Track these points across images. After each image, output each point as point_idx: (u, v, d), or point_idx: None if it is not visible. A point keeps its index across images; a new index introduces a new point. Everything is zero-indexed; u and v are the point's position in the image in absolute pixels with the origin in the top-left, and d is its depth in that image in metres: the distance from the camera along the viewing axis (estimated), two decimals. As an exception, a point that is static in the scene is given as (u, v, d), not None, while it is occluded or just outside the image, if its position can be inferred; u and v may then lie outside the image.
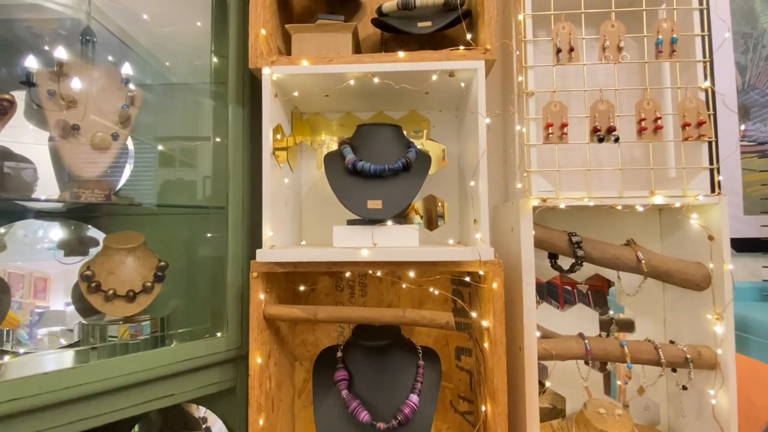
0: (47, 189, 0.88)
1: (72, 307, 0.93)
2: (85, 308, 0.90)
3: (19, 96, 0.85)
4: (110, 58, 0.96)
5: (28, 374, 0.67)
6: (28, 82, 0.83)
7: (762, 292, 1.02)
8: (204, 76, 0.99)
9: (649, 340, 0.84)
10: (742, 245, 1.06)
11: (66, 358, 0.82)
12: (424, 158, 0.90)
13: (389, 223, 0.82)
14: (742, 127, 1.03)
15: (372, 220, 0.82)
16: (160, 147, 1.03)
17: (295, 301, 1.05)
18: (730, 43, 1.11)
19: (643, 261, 0.84)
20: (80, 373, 0.71)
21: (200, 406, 1.07)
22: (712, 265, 0.82)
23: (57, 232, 0.96)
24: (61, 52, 0.86)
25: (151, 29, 1.02)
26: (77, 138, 0.85)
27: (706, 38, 0.85)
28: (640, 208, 0.86)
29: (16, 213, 0.90)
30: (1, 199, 0.83)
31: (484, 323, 0.80)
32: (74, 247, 0.96)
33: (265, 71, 0.84)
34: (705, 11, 0.85)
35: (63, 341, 0.90)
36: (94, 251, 0.95)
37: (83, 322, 0.88)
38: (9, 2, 0.93)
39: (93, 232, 0.98)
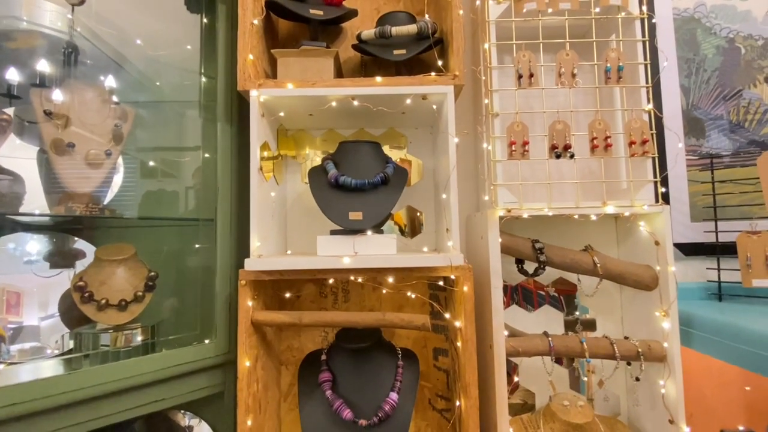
0: (34, 202, 0.90)
1: (46, 322, 0.92)
2: (72, 318, 0.93)
3: (10, 112, 0.87)
4: (103, 78, 1.01)
5: (22, 381, 0.70)
6: (9, 94, 0.86)
7: (707, 291, 1.13)
8: (194, 95, 1.05)
9: (606, 337, 0.93)
10: (689, 249, 1.17)
11: (57, 367, 0.84)
12: (401, 173, 0.98)
13: (369, 232, 0.89)
14: (680, 145, 1.15)
15: (353, 230, 0.89)
16: (151, 162, 1.07)
17: (281, 309, 1.10)
18: (675, 68, 1.24)
19: (598, 265, 0.93)
20: (73, 379, 0.74)
21: (186, 414, 1.09)
22: (658, 267, 0.92)
23: (43, 245, 0.97)
24: (56, 72, 0.90)
25: (144, 52, 1.07)
26: (72, 155, 0.89)
27: (649, 66, 0.96)
28: (594, 217, 0.95)
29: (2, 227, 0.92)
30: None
31: (457, 323, 0.88)
32: (58, 260, 0.98)
33: (253, 93, 0.90)
34: (647, 43, 0.97)
35: (51, 351, 0.91)
36: (81, 263, 0.98)
37: (71, 331, 0.90)
38: (3, 23, 0.97)
39: (82, 244, 1.00)
